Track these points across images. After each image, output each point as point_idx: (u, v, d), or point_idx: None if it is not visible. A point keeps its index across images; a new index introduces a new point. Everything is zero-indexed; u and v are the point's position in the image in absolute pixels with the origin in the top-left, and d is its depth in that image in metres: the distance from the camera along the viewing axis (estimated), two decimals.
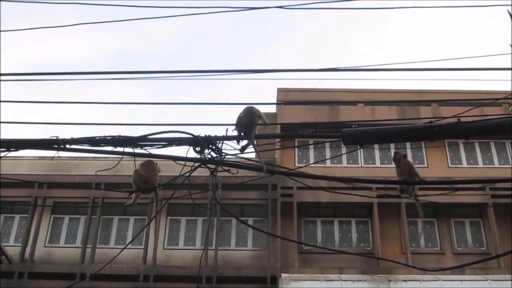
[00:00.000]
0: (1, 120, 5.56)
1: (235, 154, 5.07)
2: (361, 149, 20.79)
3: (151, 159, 5.49)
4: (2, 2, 7.10)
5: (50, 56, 67.87)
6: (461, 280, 17.56)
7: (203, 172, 5.07)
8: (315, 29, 72.38)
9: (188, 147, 4.84)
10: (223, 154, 4.88)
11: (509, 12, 6.06)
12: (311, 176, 6.02)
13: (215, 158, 4.84)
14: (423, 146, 20.97)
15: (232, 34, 71.16)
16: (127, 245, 6.89)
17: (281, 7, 7.05)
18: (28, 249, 19.44)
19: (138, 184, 5.65)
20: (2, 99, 5.86)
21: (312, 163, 20.12)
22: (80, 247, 19.82)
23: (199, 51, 72.63)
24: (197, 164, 4.87)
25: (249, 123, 5.18)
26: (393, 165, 6.53)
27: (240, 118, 5.23)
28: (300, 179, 5.92)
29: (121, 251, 6.56)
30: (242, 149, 5.11)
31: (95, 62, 69.03)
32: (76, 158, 20.82)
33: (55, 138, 4.87)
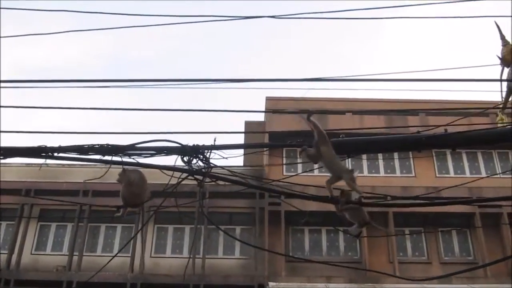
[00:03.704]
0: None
1: (222, 167, 5.06)
2: (349, 159, 20.84)
3: (139, 170, 5.41)
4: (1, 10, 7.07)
5: (41, 60, 67.69)
6: None
7: (191, 180, 5.06)
8: (306, 38, 72.64)
9: (177, 156, 4.83)
10: (211, 164, 4.86)
11: (496, 23, 6.11)
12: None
13: (203, 169, 4.83)
14: (410, 156, 21.06)
15: (224, 42, 71.27)
16: (115, 255, 6.86)
17: (273, 16, 7.07)
18: (14, 256, 19.32)
19: (127, 199, 5.48)
20: None
21: (301, 172, 20.12)
22: (67, 255, 19.74)
23: (190, 59, 72.66)
24: (184, 175, 4.86)
25: None
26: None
27: None
28: (288, 188, 5.92)
29: (109, 261, 6.52)
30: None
31: (87, 66, 68.89)
32: (63, 165, 20.70)
33: (43, 146, 4.85)
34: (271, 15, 7.09)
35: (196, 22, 7.32)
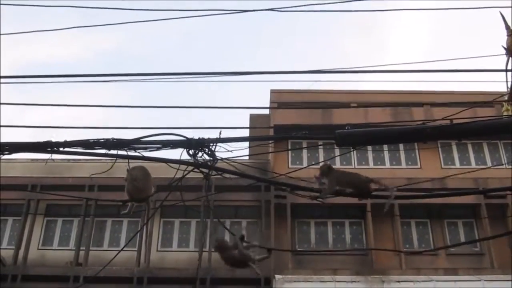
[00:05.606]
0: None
1: (227, 159, 5.06)
2: (354, 151, 20.81)
3: (142, 165, 5.41)
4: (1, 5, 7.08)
5: (44, 55, 67.71)
6: (455, 281, 17.61)
7: (197, 174, 5.05)
8: (308, 30, 72.51)
9: (182, 149, 4.83)
10: (217, 157, 4.86)
11: (501, 14, 6.09)
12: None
13: (208, 162, 4.83)
14: (416, 147, 21.01)
15: (226, 36, 71.19)
16: (121, 250, 6.87)
17: (272, 9, 7.05)
18: (21, 252, 19.37)
19: (132, 193, 5.48)
20: None
21: (306, 166, 20.11)
22: (73, 250, 19.76)
23: (193, 53, 72.59)
24: (190, 168, 4.86)
25: None
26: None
27: None
28: (294, 181, 5.92)
29: (115, 256, 6.53)
30: None
31: (90, 62, 68.87)
32: (69, 160, 20.73)
33: (49, 141, 4.86)
34: (270, 8, 7.08)
35: (197, 16, 7.33)
